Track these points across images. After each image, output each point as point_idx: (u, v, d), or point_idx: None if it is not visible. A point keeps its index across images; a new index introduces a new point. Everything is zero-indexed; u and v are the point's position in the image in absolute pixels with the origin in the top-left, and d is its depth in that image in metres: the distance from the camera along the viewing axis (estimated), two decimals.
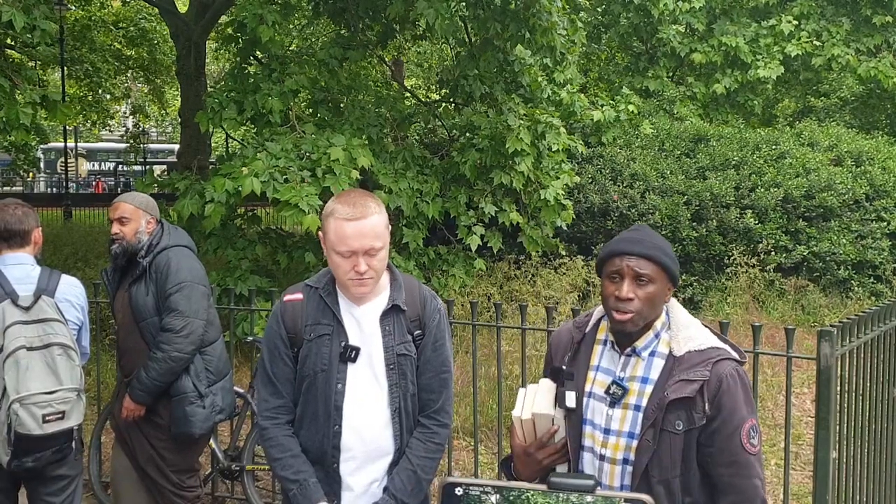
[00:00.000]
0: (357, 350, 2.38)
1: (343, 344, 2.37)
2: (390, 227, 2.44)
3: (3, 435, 3.06)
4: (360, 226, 2.27)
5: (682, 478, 1.93)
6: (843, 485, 3.23)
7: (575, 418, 2.01)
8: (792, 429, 3.61)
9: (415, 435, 2.44)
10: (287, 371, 2.42)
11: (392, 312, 2.42)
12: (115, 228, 3.61)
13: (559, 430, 2.02)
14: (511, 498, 1.66)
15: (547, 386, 2.08)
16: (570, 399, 2.01)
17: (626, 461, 1.95)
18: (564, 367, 2.07)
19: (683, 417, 1.91)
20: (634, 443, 1.94)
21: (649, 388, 1.95)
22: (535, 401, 2.04)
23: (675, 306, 2.05)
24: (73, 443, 3.24)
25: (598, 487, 1.71)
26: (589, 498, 1.64)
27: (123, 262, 3.66)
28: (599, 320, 2.10)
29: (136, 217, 3.61)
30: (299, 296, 2.45)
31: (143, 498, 3.75)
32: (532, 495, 1.65)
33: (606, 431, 1.98)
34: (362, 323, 2.41)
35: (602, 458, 1.97)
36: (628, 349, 2.00)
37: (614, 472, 1.96)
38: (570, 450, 2.01)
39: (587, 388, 2.03)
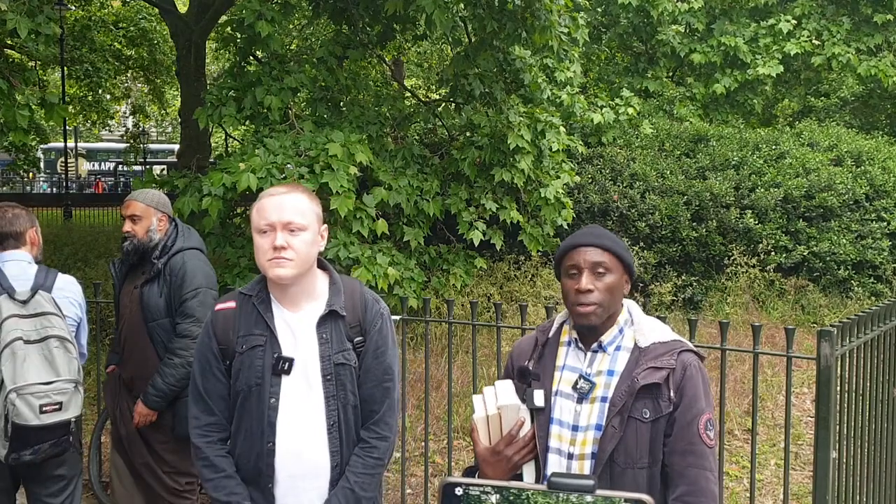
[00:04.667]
0: (291, 361, 2.25)
1: (276, 355, 2.25)
2: (326, 229, 2.32)
3: (1, 427, 3.06)
4: (280, 199, 2.21)
5: (650, 471, 1.93)
6: (843, 485, 3.23)
7: (543, 418, 2.01)
8: (792, 429, 3.61)
9: (354, 451, 2.32)
10: (220, 387, 2.30)
11: (330, 318, 2.29)
12: (127, 226, 3.63)
13: (526, 421, 2.00)
14: (511, 498, 1.65)
15: (505, 383, 2.07)
16: (539, 398, 2.00)
17: (593, 455, 1.95)
18: (531, 368, 2.07)
19: (650, 406, 1.93)
20: (601, 433, 1.94)
21: (615, 380, 1.97)
22: (498, 396, 2.02)
23: (633, 306, 2.10)
24: (71, 437, 3.22)
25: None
26: (589, 498, 1.63)
27: (135, 260, 3.67)
28: (562, 324, 2.12)
29: (147, 215, 3.63)
30: (232, 304, 2.32)
31: (141, 499, 3.74)
32: (532, 495, 1.65)
33: (575, 428, 1.98)
34: (297, 331, 2.28)
35: (570, 456, 1.97)
36: (594, 345, 2.02)
37: (583, 469, 1.96)
38: (539, 450, 2.00)
39: (554, 388, 2.03)
